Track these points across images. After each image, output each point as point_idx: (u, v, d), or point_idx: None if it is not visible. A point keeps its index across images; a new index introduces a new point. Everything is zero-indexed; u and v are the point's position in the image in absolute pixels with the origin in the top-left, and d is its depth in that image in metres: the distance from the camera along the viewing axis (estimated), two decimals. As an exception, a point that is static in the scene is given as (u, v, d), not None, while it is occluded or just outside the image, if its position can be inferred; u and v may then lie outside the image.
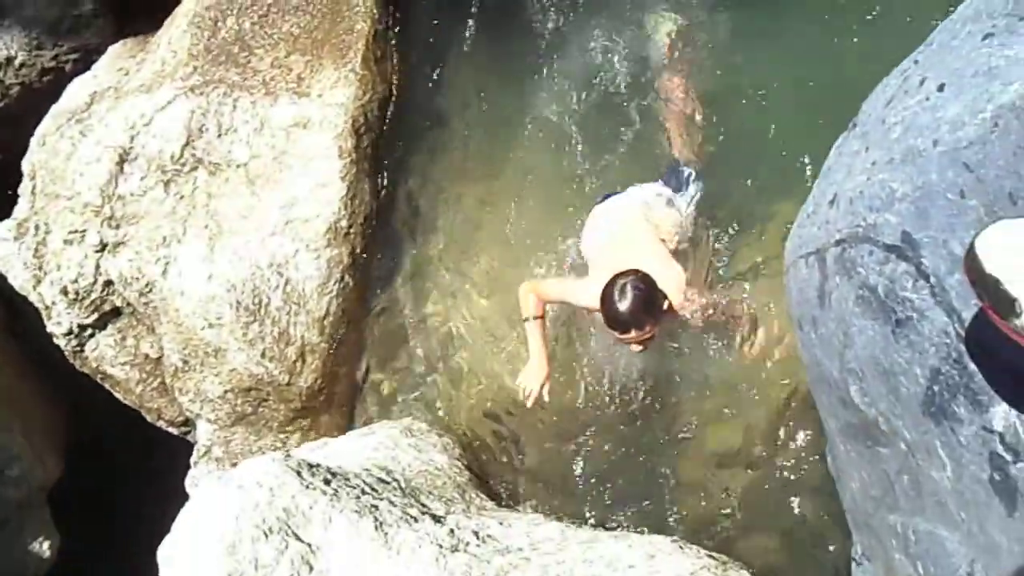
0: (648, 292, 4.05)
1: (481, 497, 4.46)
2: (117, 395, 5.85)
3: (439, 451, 4.74)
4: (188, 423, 5.84)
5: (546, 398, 4.51)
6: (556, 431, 4.85)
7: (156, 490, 5.40)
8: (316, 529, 3.72)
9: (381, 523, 3.77)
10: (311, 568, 3.67)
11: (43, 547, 5.23)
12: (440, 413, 5.20)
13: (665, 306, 4.16)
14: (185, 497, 4.22)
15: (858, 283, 2.15)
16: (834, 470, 2.79)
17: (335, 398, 5.48)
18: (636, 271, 4.11)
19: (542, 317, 4.57)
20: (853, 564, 3.03)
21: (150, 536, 4.18)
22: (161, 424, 5.95)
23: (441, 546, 3.72)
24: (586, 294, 4.41)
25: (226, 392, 5.42)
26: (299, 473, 3.86)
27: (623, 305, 4.01)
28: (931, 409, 1.93)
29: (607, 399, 4.78)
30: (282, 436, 5.53)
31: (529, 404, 4.49)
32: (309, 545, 3.70)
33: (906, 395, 2.00)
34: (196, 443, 5.73)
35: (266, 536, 3.65)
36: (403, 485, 4.22)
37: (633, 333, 4.09)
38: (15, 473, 5.12)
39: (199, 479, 5.54)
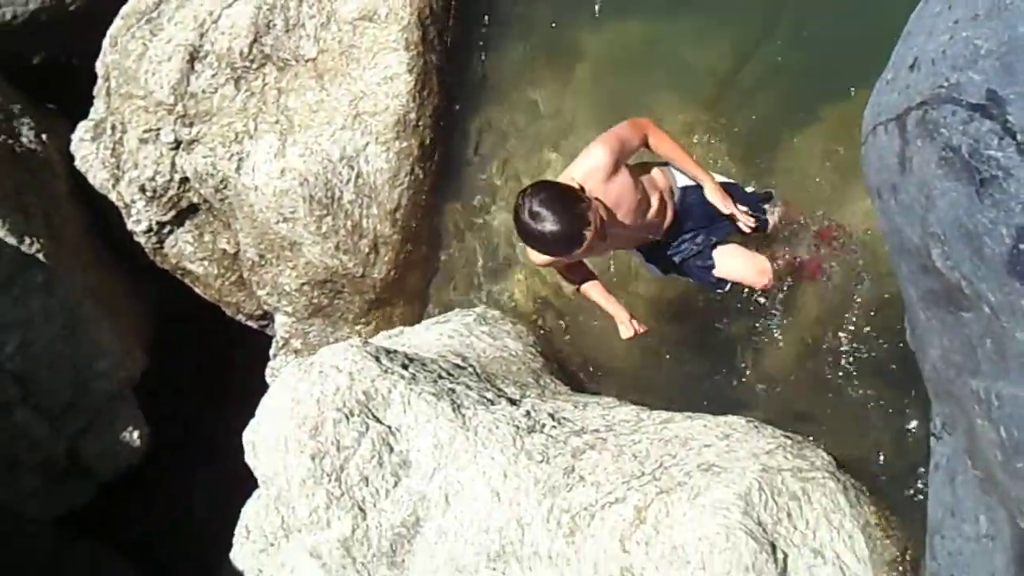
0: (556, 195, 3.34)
1: (556, 382, 4.50)
2: (197, 290, 5.97)
3: (513, 338, 4.78)
4: (266, 316, 5.95)
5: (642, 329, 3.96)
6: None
7: (238, 382, 5.54)
8: (395, 412, 3.81)
9: (458, 406, 3.84)
10: (391, 449, 3.76)
11: (133, 437, 5.40)
12: (513, 301, 5.23)
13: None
14: (265, 388, 4.32)
15: (941, 145, 2.10)
16: (913, 341, 2.76)
17: (409, 289, 5.54)
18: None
19: (585, 280, 3.99)
20: (932, 440, 3.01)
21: (234, 425, 4.31)
22: (240, 318, 6.07)
23: (518, 427, 3.79)
24: None
25: (302, 285, 5.51)
26: (377, 359, 3.93)
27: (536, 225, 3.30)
28: (1017, 268, 1.90)
29: (685, 290, 4.73)
30: (358, 327, 5.62)
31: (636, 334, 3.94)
32: (389, 427, 3.78)
33: (990, 256, 1.96)
34: (274, 336, 5.85)
35: (347, 419, 3.74)
36: (478, 370, 4.28)
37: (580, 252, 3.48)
38: (104, 366, 5.26)
39: (278, 370, 5.66)
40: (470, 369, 4.25)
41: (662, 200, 3.85)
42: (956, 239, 2.07)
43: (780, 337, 4.42)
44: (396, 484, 3.76)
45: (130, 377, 5.44)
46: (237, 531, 4.99)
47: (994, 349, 2.09)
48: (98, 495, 5.51)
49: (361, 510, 3.74)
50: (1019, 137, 1.90)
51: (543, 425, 3.84)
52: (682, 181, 3.98)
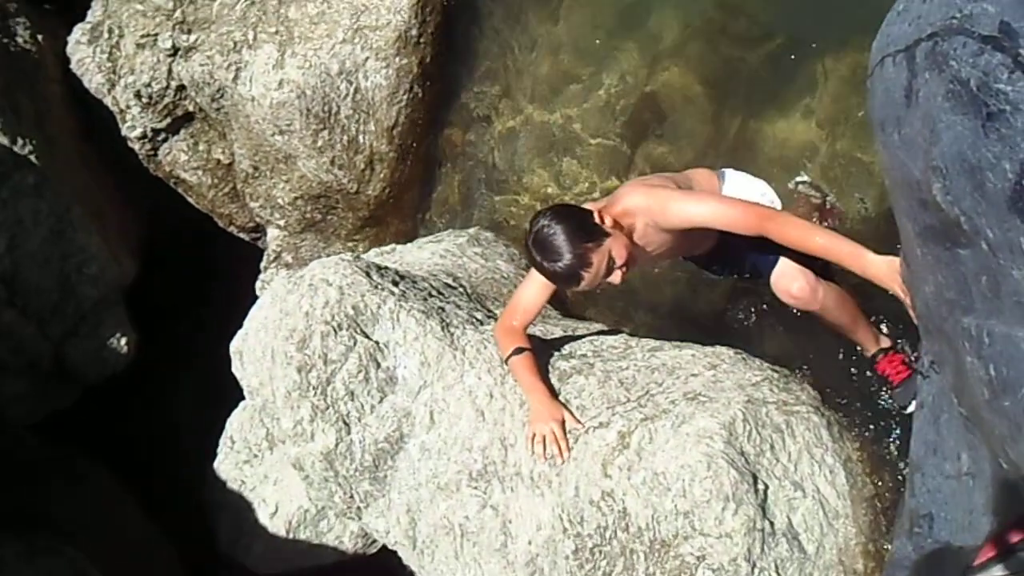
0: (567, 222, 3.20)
1: (547, 306, 4.49)
2: (190, 200, 5.95)
3: (505, 260, 4.77)
4: (258, 229, 5.93)
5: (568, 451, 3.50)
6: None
7: (227, 294, 5.53)
8: (384, 328, 3.80)
9: (447, 324, 3.84)
10: (378, 365, 3.76)
11: (121, 343, 5.40)
12: (507, 223, 5.21)
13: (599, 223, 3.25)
14: (255, 300, 4.30)
15: (949, 77, 2.06)
16: (907, 277, 2.74)
17: (403, 207, 5.51)
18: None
19: (527, 349, 3.59)
20: (919, 378, 3.02)
21: (222, 335, 4.31)
22: (232, 230, 6.06)
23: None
24: None
25: (295, 199, 5.48)
26: (368, 274, 3.91)
27: (539, 256, 3.22)
28: (1018, 205, 1.87)
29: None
30: (350, 244, 5.60)
31: (557, 458, 3.47)
32: (377, 343, 3.78)
33: (992, 191, 1.93)
34: (266, 249, 5.84)
35: (335, 333, 3.73)
36: (469, 291, 4.26)
37: (584, 283, 3.26)
38: (92, 271, 5.23)
39: (268, 282, 5.65)
40: (461, 289, 4.24)
41: (708, 233, 3.59)
42: (958, 174, 2.05)
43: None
44: (381, 400, 3.77)
45: (118, 283, 5.42)
46: (222, 441, 5.03)
47: (989, 287, 2.07)
48: (83, 401, 5.51)
49: (345, 424, 3.75)
50: (1029, 70, 1.87)
51: (531, 347, 3.83)
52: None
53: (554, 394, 3.59)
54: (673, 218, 3.33)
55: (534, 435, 3.50)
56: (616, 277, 3.27)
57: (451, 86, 5.39)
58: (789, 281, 3.52)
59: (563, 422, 3.50)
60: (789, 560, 3.26)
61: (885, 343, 3.76)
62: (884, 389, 3.81)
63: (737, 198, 3.54)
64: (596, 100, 5.04)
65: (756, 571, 3.21)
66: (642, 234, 3.40)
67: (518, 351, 3.55)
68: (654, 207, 3.34)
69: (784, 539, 3.27)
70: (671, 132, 4.89)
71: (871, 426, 3.74)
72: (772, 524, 3.27)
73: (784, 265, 3.53)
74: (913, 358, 3.70)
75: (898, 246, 2.82)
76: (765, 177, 3.98)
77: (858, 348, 3.85)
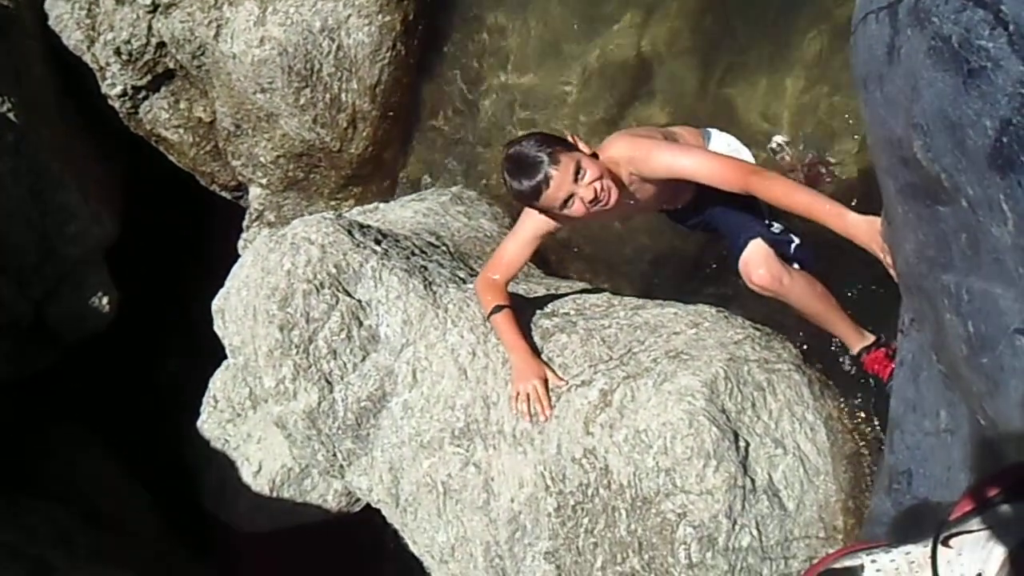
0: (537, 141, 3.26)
1: (529, 265, 4.48)
2: (171, 158, 5.91)
3: (488, 219, 4.76)
4: (240, 187, 5.90)
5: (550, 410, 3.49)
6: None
7: (210, 252, 5.51)
8: (366, 286, 3.79)
9: (430, 283, 3.83)
10: (360, 323, 3.75)
11: (102, 302, 5.36)
12: (490, 181, 5.19)
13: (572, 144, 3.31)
14: (237, 258, 4.28)
15: (931, 34, 2.05)
16: (888, 235, 2.74)
17: (386, 166, 5.49)
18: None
19: (508, 306, 3.60)
20: (899, 336, 3.02)
21: (205, 293, 4.29)
22: (214, 188, 6.02)
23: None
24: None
25: (278, 157, 5.45)
26: (350, 232, 3.90)
27: (515, 177, 3.26)
28: (998, 162, 1.87)
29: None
30: (333, 203, 5.58)
31: (540, 415, 3.47)
32: (359, 301, 3.77)
33: (973, 148, 1.93)
34: (248, 207, 5.81)
35: (317, 291, 3.72)
36: (452, 249, 4.25)
37: (552, 185, 3.20)
38: (72, 230, 5.19)
39: (250, 241, 5.63)
40: (443, 248, 4.23)
41: (687, 186, 3.62)
42: (939, 131, 2.04)
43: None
44: (364, 358, 3.76)
45: (99, 242, 5.38)
46: (205, 400, 5.03)
47: (968, 244, 2.07)
48: (65, 360, 5.50)
49: (328, 383, 3.75)
50: (1011, 27, 1.86)
51: (514, 306, 3.83)
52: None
53: (536, 352, 3.59)
54: (658, 167, 3.34)
55: (517, 394, 3.51)
56: (587, 192, 3.22)
57: (435, 44, 5.35)
58: (753, 267, 3.51)
59: (545, 380, 3.50)
60: (770, 517, 3.29)
61: (868, 339, 3.74)
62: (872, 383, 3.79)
63: (723, 154, 3.55)
64: (582, 60, 5.01)
65: (737, 527, 3.24)
66: (627, 182, 3.42)
67: (498, 308, 3.55)
68: (638, 156, 3.36)
69: (765, 496, 3.29)
70: (657, 92, 4.88)
71: (852, 383, 3.76)
72: (753, 481, 3.29)
73: (751, 250, 3.53)
74: (892, 348, 3.70)
75: (879, 209, 2.81)
76: (748, 137, 3.97)
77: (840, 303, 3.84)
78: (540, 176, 3.19)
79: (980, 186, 1.95)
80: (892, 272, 2.78)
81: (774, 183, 3.18)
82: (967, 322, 2.12)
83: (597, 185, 3.22)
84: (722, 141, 3.85)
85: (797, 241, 3.59)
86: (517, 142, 3.31)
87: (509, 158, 3.28)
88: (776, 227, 3.62)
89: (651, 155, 3.35)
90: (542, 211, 3.36)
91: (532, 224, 3.52)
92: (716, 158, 3.39)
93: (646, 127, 3.90)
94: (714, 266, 4.49)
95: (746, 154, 3.84)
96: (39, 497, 4.77)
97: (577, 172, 3.21)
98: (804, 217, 3.16)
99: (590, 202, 3.23)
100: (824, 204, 3.04)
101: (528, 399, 3.48)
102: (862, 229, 2.90)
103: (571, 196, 3.23)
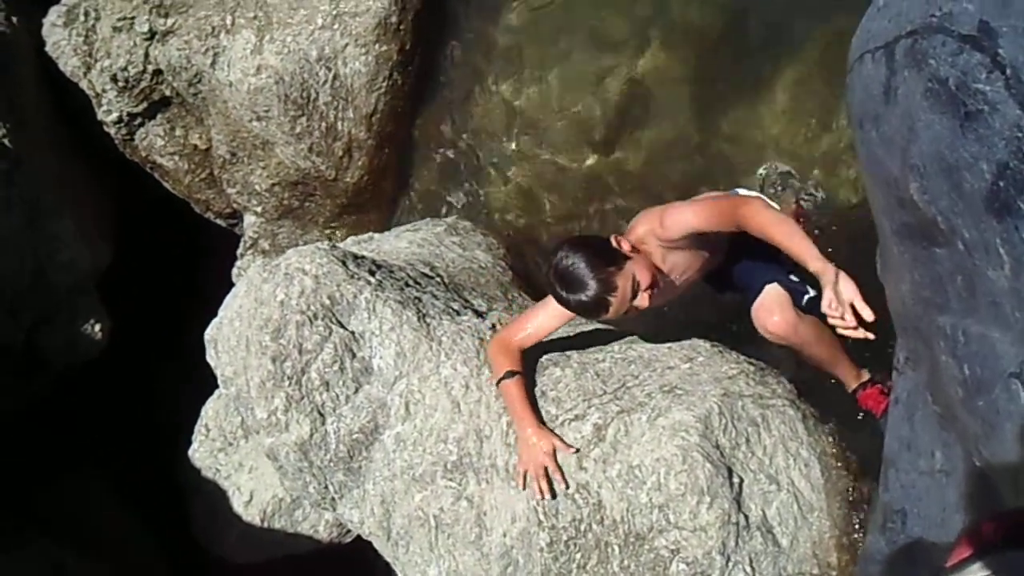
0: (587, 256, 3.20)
1: (524, 296, 4.48)
2: (166, 185, 5.89)
3: (483, 249, 4.75)
4: (235, 215, 5.89)
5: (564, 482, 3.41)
6: (605, 233, 4.81)
7: (203, 281, 5.49)
8: (360, 318, 3.77)
9: (424, 315, 3.82)
10: (353, 355, 3.74)
11: (95, 330, 5.33)
12: (485, 212, 5.19)
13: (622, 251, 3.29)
14: (231, 286, 4.26)
15: (928, 76, 2.05)
16: (883, 275, 2.74)
17: (381, 195, 5.49)
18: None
19: (520, 373, 3.53)
20: (894, 373, 3.02)
21: (198, 321, 4.27)
22: (209, 216, 6.01)
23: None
24: None
25: (273, 185, 5.44)
26: (344, 263, 3.88)
27: (565, 291, 3.24)
28: (994, 205, 1.87)
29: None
30: (328, 231, 5.57)
31: (548, 494, 3.38)
32: (352, 333, 3.75)
33: (969, 191, 1.93)
34: (243, 235, 5.80)
35: (311, 322, 3.71)
36: (446, 280, 4.24)
37: (612, 310, 3.23)
38: (65, 258, 5.16)
39: (245, 269, 5.61)
40: (438, 279, 4.22)
41: (719, 248, 3.70)
42: (936, 173, 2.04)
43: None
44: (357, 390, 3.74)
45: (93, 270, 5.35)
46: (196, 429, 5.00)
47: (964, 286, 2.07)
48: (57, 388, 5.46)
49: (320, 414, 3.72)
50: (1008, 71, 1.87)
51: (508, 339, 3.82)
52: None
53: (541, 421, 3.49)
54: (671, 229, 3.35)
55: (525, 472, 3.42)
56: (643, 300, 3.26)
57: (431, 73, 5.35)
58: (767, 314, 3.54)
59: (554, 453, 3.41)
60: (763, 553, 3.27)
61: (864, 376, 3.78)
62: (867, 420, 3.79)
63: (718, 196, 3.56)
64: (577, 86, 5.03)
65: (730, 564, 3.22)
66: (660, 258, 3.43)
67: (511, 374, 3.48)
68: (655, 225, 3.37)
69: (759, 532, 3.28)
70: (653, 117, 4.90)
71: (847, 420, 3.75)
72: (747, 517, 3.28)
73: (767, 294, 3.55)
74: (888, 387, 3.70)
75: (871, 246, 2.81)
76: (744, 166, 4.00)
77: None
78: (599, 306, 3.21)
79: (977, 229, 1.95)
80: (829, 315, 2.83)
81: (759, 214, 3.18)
82: (963, 365, 2.12)
83: (650, 291, 3.26)
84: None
85: (812, 294, 3.54)
86: (565, 256, 3.22)
87: (560, 275, 3.23)
88: (794, 277, 3.62)
89: (663, 219, 3.35)
90: None
91: None
92: (709, 202, 3.44)
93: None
94: (705, 300, 4.47)
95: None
96: (32, 527, 4.73)
97: (634, 290, 3.23)
98: (781, 249, 3.16)
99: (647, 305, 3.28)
100: (804, 241, 3.03)
101: (538, 479, 3.38)
102: (830, 276, 2.85)
103: (629, 309, 3.27)
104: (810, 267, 2.96)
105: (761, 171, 4.56)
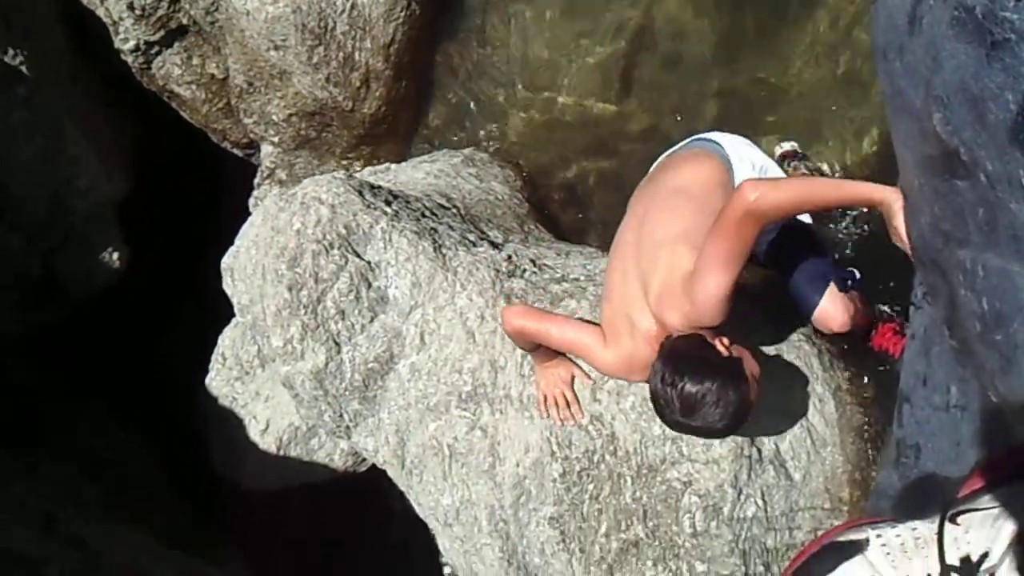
0: (723, 385, 2.70)
1: (540, 228, 4.46)
2: (184, 115, 5.87)
3: (500, 182, 4.72)
4: (252, 145, 5.86)
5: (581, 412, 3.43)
6: (620, 164, 4.78)
7: (221, 210, 5.49)
8: (376, 247, 3.77)
9: (440, 245, 3.81)
10: (369, 285, 3.74)
11: (112, 258, 5.35)
12: (504, 144, 5.14)
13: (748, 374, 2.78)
14: (248, 216, 4.26)
15: (954, 4, 2.01)
16: (904, 209, 2.71)
17: (398, 126, 5.44)
18: (677, 347, 2.84)
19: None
20: (911, 309, 3.00)
21: (215, 251, 4.28)
22: (226, 145, 5.99)
23: (498, 270, 3.76)
24: (599, 356, 3.13)
25: (290, 115, 5.41)
26: (361, 193, 3.87)
27: (698, 421, 2.71)
28: (1019, 137, 1.84)
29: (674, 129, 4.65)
30: (344, 162, 5.54)
31: (571, 419, 3.42)
32: (368, 263, 3.75)
33: (993, 122, 1.89)
34: (260, 165, 5.78)
35: (327, 251, 3.71)
36: (463, 212, 4.23)
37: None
38: (83, 185, 5.16)
39: (261, 199, 5.60)
40: (454, 210, 4.21)
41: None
42: (959, 104, 2.01)
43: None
44: (372, 320, 3.75)
45: (109, 197, 5.35)
46: (213, 358, 5.03)
47: (985, 219, 2.04)
48: (75, 319, 5.49)
49: (335, 343, 3.74)
50: (1037, -1, 1.82)
51: (524, 270, 3.81)
52: None
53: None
54: (708, 314, 2.82)
55: (545, 398, 3.42)
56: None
57: (450, 4, 5.28)
58: (833, 319, 3.34)
59: (572, 381, 3.41)
60: (776, 487, 3.29)
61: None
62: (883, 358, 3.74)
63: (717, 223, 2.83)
64: (601, 18, 4.95)
65: (742, 497, 3.24)
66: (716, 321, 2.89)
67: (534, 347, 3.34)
68: (691, 315, 2.85)
69: (771, 466, 3.29)
70: (673, 53, 4.83)
71: (863, 355, 3.74)
72: (760, 451, 3.29)
73: (828, 302, 3.34)
74: (900, 324, 3.67)
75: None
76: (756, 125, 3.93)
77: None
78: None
79: (1000, 161, 1.91)
80: (903, 245, 2.69)
81: (766, 197, 2.64)
82: (982, 299, 2.10)
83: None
84: (745, 164, 3.41)
85: (858, 275, 3.35)
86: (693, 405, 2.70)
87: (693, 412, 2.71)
88: (836, 262, 3.48)
89: (696, 306, 2.83)
90: None
91: (594, 354, 3.15)
92: (716, 241, 2.75)
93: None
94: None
95: (773, 168, 3.52)
96: (49, 453, 4.79)
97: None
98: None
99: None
100: (840, 185, 2.87)
101: (558, 404, 3.40)
102: (899, 203, 2.60)
103: None
104: (873, 202, 2.67)
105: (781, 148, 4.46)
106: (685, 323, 2.85)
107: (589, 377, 3.43)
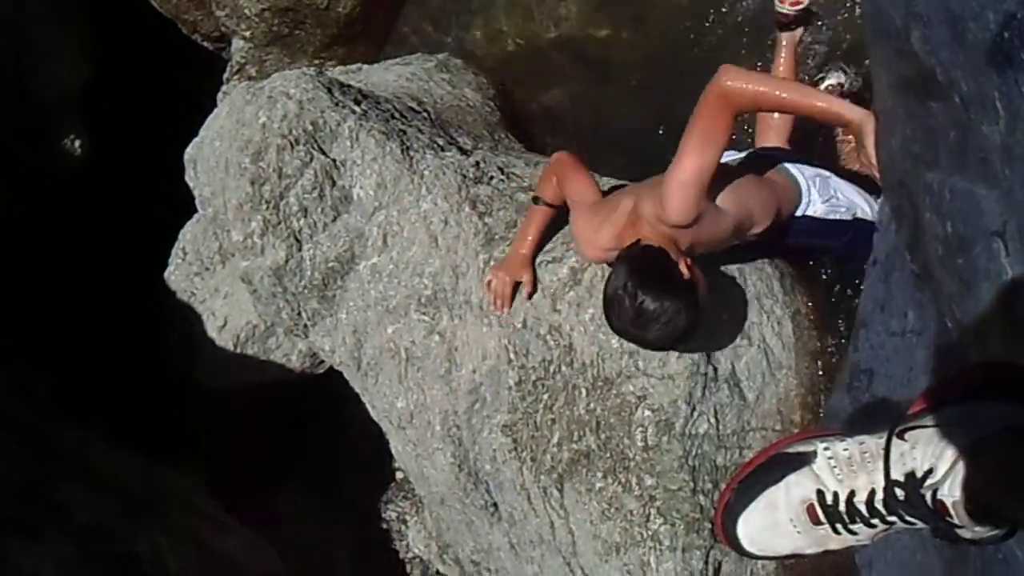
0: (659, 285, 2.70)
1: (510, 138, 4.41)
2: (153, 3, 5.72)
3: (473, 88, 4.65)
4: (223, 39, 5.73)
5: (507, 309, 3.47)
6: (596, 79, 4.70)
7: (187, 102, 5.38)
8: (342, 146, 3.71)
9: (407, 147, 3.76)
10: (334, 183, 3.69)
11: (74, 145, 5.27)
12: (477, 51, 5.05)
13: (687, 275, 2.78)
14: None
15: (939, -81, 1.98)
16: (877, 131, 2.69)
17: (373, 28, 5.33)
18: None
19: (553, 206, 3.35)
20: (875, 235, 3.00)
21: (180, 144, 4.21)
22: (196, 38, 5.85)
23: (465, 176, 3.72)
24: (578, 215, 3.15)
25: (263, 10, 5.28)
26: (330, 90, 3.80)
27: (644, 333, 2.73)
28: (996, 58, 1.81)
29: (653, 49, 4.56)
30: (317, 62, 5.43)
31: (493, 307, 3.48)
32: (334, 160, 3.70)
33: (972, 42, 1.86)
34: (230, 60, 5.66)
35: (292, 147, 3.65)
36: (433, 116, 4.17)
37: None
38: (47, 73, 5.06)
39: (229, 94, 5.50)
40: (424, 114, 4.14)
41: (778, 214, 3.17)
42: (939, 22, 1.98)
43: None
44: (335, 219, 3.71)
45: (74, 86, 5.25)
46: (173, 252, 4.98)
47: (956, 141, 2.03)
48: (35, 213, 5.40)
49: (297, 240, 3.70)
50: (1023, -87, 1.78)
51: (491, 177, 3.77)
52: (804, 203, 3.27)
53: (534, 255, 3.44)
54: (678, 206, 2.80)
55: (490, 281, 3.46)
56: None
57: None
58: None
59: (518, 282, 3.43)
60: (729, 406, 3.31)
61: None
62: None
63: (691, 121, 2.82)
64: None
65: (695, 414, 3.26)
66: (686, 241, 2.94)
67: (547, 204, 3.33)
68: (661, 205, 2.82)
69: (726, 385, 3.31)
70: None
71: (824, 282, 3.75)
72: (715, 370, 3.30)
73: None
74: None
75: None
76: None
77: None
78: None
79: (975, 82, 1.89)
80: (872, 167, 2.68)
81: (739, 82, 2.67)
82: (946, 222, 2.09)
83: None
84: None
85: None
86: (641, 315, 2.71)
87: (641, 322, 2.71)
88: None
89: (661, 203, 2.82)
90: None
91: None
92: (689, 136, 2.77)
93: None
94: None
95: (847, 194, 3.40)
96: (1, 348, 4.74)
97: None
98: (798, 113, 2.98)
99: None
100: (818, 95, 2.85)
101: (499, 292, 3.43)
102: (871, 125, 2.59)
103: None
104: (845, 119, 2.67)
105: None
106: (655, 217, 2.84)
107: (534, 291, 3.43)
